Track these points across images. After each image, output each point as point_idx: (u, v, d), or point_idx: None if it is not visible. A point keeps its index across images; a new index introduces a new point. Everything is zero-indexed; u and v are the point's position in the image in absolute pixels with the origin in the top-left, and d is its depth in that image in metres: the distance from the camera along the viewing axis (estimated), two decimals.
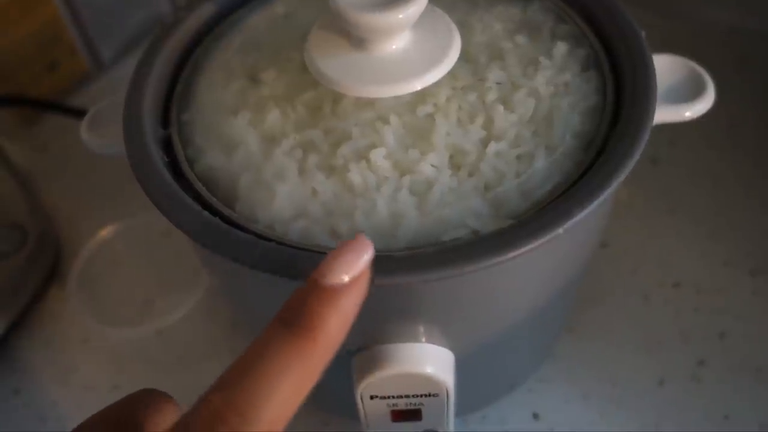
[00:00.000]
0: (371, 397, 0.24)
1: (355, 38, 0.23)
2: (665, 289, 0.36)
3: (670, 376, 0.33)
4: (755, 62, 0.45)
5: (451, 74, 0.23)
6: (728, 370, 0.33)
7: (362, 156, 0.23)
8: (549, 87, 0.24)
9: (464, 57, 0.25)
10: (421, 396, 0.24)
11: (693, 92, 0.26)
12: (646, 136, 0.22)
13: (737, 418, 0.32)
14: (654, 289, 0.36)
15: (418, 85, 0.22)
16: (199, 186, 0.23)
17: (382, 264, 0.20)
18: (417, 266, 0.20)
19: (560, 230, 0.20)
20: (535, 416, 0.33)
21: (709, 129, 0.41)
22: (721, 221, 0.38)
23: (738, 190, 0.39)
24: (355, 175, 0.22)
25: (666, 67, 0.26)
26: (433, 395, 0.24)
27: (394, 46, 0.23)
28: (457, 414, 0.29)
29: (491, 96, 0.24)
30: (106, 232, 0.37)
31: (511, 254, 0.20)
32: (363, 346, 0.24)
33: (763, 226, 0.38)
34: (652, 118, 0.22)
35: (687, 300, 0.36)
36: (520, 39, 0.26)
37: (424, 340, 0.24)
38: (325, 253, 0.21)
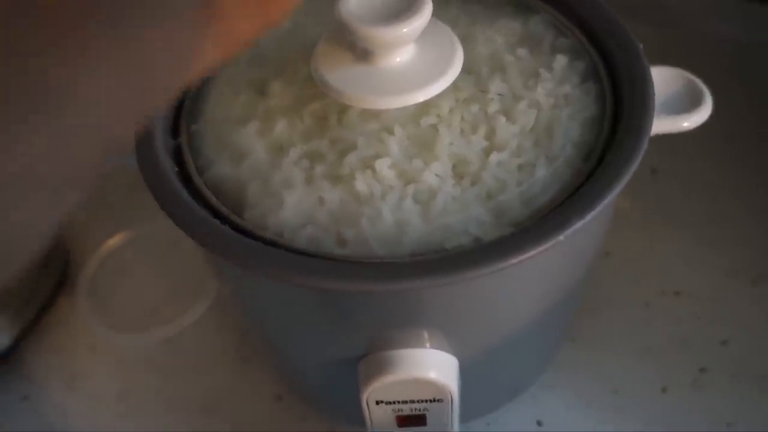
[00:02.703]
0: (377, 402, 0.25)
1: (361, 51, 0.24)
2: (666, 297, 0.37)
3: (672, 383, 0.34)
4: (754, 73, 0.45)
5: (454, 86, 0.24)
6: (730, 378, 0.34)
7: (368, 165, 0.23)
8: (549, 98, 0.25)
9: (467, 69, 0.25)
10: (426, 401, 0.25)
11: (691, 103, 0.26)
12: (644, 146, 0.22)
13: (739, 425, 0.32)
14: (655, 297, 0.37)
15: (421, 97, 0.23)
16: (208, 195, 0.24)
17: (387, 270, 0.21)
18: (421, 273, 0.20)
19: (560, 237, 0.20)
20: (539, 423, 0.33)
21: (709, 139, 0.42)
22: (721, 230, 0.39)
23: (738, 200, 0.40)
24: (361, 183, 0.23)
25: (664, 78, 0.27)
26: (438, 400, 0.24)
27: (398, 59, 0.23)
28: (462, 420, 0.29)
29: (493, 107, 0.24)
30: (115, 241, 0.38)
31: (513, 261, 0.20)
32: (368, 352, 0.24)
33: (764, 235, 0.38)
34: (650, 129, 0.23)
35: (688, 308, 0.36)
36: (521, 52, 0.26)
37: (428, 345, 0.24)
38: (332, 260, 0.21)
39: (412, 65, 0.23)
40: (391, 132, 0.24)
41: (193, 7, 0.14)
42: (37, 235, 0.12)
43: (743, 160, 0.42)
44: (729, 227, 0.39)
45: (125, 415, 0.35)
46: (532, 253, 0.20)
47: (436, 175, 0.23)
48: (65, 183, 0.13)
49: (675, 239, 0.39)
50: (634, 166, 0.22)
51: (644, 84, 0.24)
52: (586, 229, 0.21)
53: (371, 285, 0.21)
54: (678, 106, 0.26)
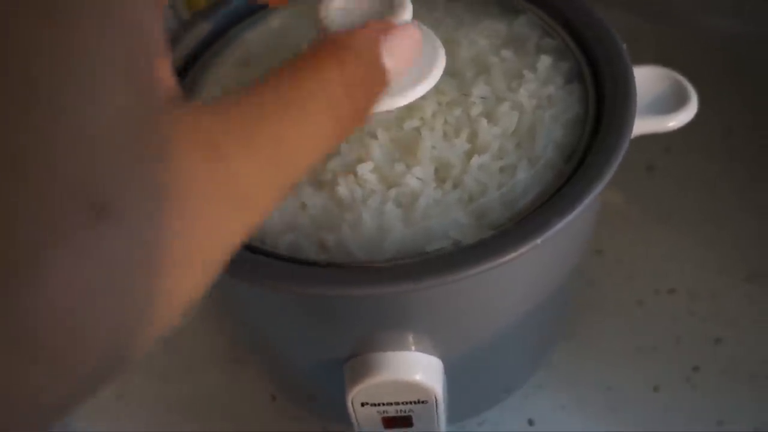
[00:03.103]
0: (362, 404, 0.25)
1: None
2: (660, 295, 0.37)
3: (665, 382, 0.34)
4: (750, 69, 0.45)
5: (437, 89, 0.24)
6: (723, 376, 0.33)
7: (350, 170, 0.23)
8: (532, 100, 0.25)
9: (450, 72, 0.25)
10: (411, 403, 0.25)
11: (677, 102, 0.26)
12: (624, 147, 0.22)
13: (731, 423, 0.32)
14: (649, 295, 0.37)
15: (404, 101, 0.23)
16: None
17: (366, 275, 0.21)
18: (400, 277, 0.20)
19: (538, 240, 0.20)
20: (531, 422, 0.33)
21: (704, 136, 0.42)
22: (716, 228, 0.39)
23: (733, 197, 0.40)
24: (343, 188, 0.23)
25: (650, 78, 0.27)
26: (422, 402, 0.25)
27: None
28: (453, 420, 0.29)
29: (476, 110, 0.24)
30: None
31: (492, 264, 0.20)
32: (353, 354, 0.24)
33: (758, 233, 0.38)
34: (632, 130, 0.23)
35: (682, 306, 0.36)
36: (506, 53, 0.26)
37: (413, 348, 0.24)
38: (314, 266, 0.22)
39: None
40: (373, 136, 0.24)
41: None
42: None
43: (739, 156, 0.41)
44: (724, 225, 0.39)
45: (123, 415, 0.35)
46: (511, 256, 0.20)
47: (418, 178, 0.23)
48: None
49: (669, 237, 0.39)
50: (614, 167, 0.22)
51: (626, 84, 0.24)
52: (567, 230, 0.21)
53: (351, 290, 0.21)
54: (664, 106, 0.26)
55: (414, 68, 0.23)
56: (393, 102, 0.23)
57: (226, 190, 0.12)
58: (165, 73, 0.13)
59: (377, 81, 0.17)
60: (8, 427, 0.11)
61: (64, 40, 0.11)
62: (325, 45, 0.16)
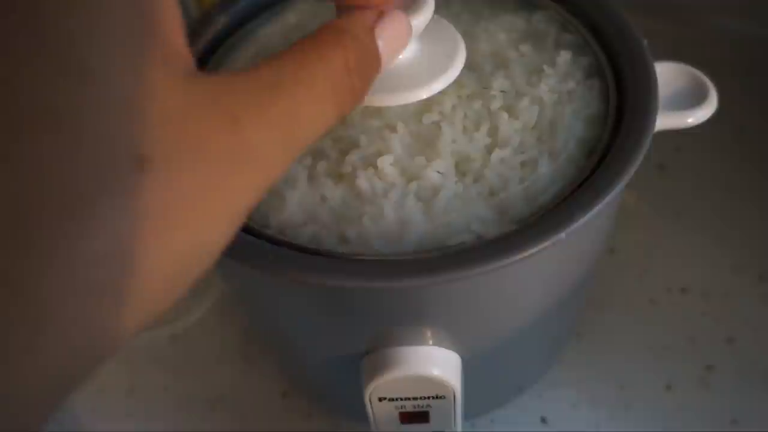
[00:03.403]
0: (380, 399, 0.25)
1: None
2: (673, 294, 0.37)
3: (678, 381, 0.33)
4: (763, 69, 0.45)
5: (457, 83, 0.24)
6: (736, 375, 0.33)
7: (370, 163, 0.23)
8: (552, 95, 0.25)
9: (470, 66, 0.25)
10: (429, 398, 0.25)
11: (696, 99, 0.26)
12: (647, 143, 0.22)
13: (745, 422, 0.32)
14: (662, 294, 0.37)
15: (424, 94, 0.23)
16: None
17: (388, 268, 0.21)
18: (422, 270, 0.20)
19: (562, 234, 0.20)
20: (543, 420, 0.33)
21: (717, 135, 0.42)
22: (728, 226, 0.39)
23: (745, 196, 0.40)
24: (363, 181, 0.23)
25: (669, 74, 0.27)
26: (440, 397, 0.24)
27: (400, 56, 0.23)
28: (466, 417, 0.29)
29: (496, 104, 0.24)
30: None
31: (514, 258, 0.20)
32: (371, 349, 0.24)
33: None
34: (654, 126, 0.23)
35: (695, 305, 0.36)
36: (524, 48, 0.26)
37: (431, 343, 0.24)
38: (334, 258, 0.21)
39: (414, 62, 0.23)
40: (393, 129, 0.24)
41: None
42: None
43: (752, 155, 0.41)
44: (736, 224, 0.39)
45: (133, 412, 0.35)
46: (534, 250, 0.20)
47: (439, 172, 0.23)
48: None
49: (682, 236, 0.39)
50: (637, 164, 0.22)
51: (647, 80, 0.24)
52: (588, 226, 0.21)
53: (372, 282, 0.21)
54: (683, 102, 0.26)
55: (433, 62, 0.23)
56: (413, 95, 0.23)
57: (241, 153, 0.14)
58: (182, 43, 0.14)
59: (372, 64, 0.18)
60: (101, 350, 0.12)
61: (94, 17, 0.12)
62: (328, 29, 0.17)
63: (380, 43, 0.18)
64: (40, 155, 0.11)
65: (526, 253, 0.20)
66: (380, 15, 0.18)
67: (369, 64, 0.18)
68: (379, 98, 0.23)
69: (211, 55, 0.30)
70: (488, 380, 0.28)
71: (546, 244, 0.20)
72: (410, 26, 0.20)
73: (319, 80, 0.16)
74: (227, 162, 0.13)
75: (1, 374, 0.11)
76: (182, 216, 0.13)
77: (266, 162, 0.15)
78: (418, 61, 0.23)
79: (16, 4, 0.11)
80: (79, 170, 0.11)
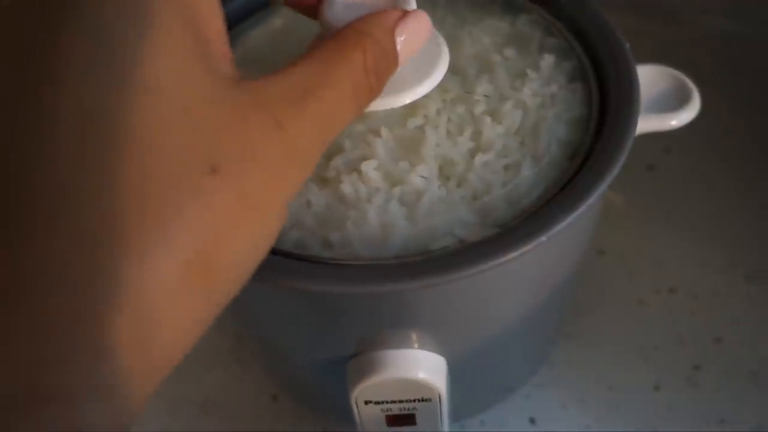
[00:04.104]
0: (366, 402, 0.25)
1: None
2: (661, 294, 0.37)
3: (666, 380, 0.34)
4: (750, 69, 0.45)
5: (441, 87, 0.24)
6: (724, 375, 0.34)
7: (354, 168, 0.23)
8: (536, 98, 0.25)
9: (454, 70, 0.25)
10: (414, 401, 0.25)
11: (679, 101, 0.26)
12: (628, 146, 0.22)
13: (733, 422, 0.32)
14: (650, 294, 0.37)
15: (408, 99, 0.23)
16: None
17: (370, 273, 0.21)
18: (404, 275, 0.20)
19: (543, 238, 0.20)
20: (532, 421, 0.33)
21: (705, 135, 0.42)
22: (716, 227, 0.39)
23: (733, 196, 0.40)
24: (347, 186, 0.23)
25: (653, 76, 0.27)
26: (426, 400, 0.25)
27: None
28: (455, 419, 0.29)
29: (479, 108, 0.24)
30: None
31: (496, 262, 0.20)
32: (357, 352, 0.24)
33: (758, 231, 0.38)
34: (635, 129, 0.23)
35: (682, 305, 0.36)
36: (509, 52, 0.26)
37: (416, 346, 0.24)
38: (319, 263, 0.22)
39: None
40: (377, 134, 0.24)
41: None
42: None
43: (739, 156, 0.41)
44: (724, 224, 0.39)
45: None
46: (516, 254, 0.20)
47: (422, 176, 0.23)
48: None
49: (670, 236, 0.39)
50: (619, 166, 0.22)
51: (630, 84, 0.24)
52: (570, 228, 0.21)
53: (356, 287, 0.21)
54: (666, 105, 0.26)
55: (418, 66, 0.23)
56: (398, 100, 0.23)
57: (287, 153, 0.15)
58: (226, 48, 0.15)
59: (391, 64, 0.19)
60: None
61: (146, 29, 0.13)
62: (350, 30, 0.18)
63: (399, 41, 0.19)
64: (127, 170, 0.13)
65: (508, 257, 0.20)
66: (402, 15, 0.19)
67: (386, 65, 0.19)
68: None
69: None
70: (475, 382, 0.28)
71: (528, 247, 0.20)
72: (430, 25, 0.20)
73: (342, 81, 0.17)
74: (276, 162, 0.15)
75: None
76: (248, 214, 0.14)
77: (306, 159, 0.16)
78: (403, 65, 0.23)
79: (83, 18, 0.13)
80: (163, 179, 0.13)
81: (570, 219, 0.21)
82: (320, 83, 0.16)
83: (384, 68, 0.18)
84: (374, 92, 0.18)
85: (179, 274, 0.13)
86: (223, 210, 0.14)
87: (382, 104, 0.23)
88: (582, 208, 0.21)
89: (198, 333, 0.15)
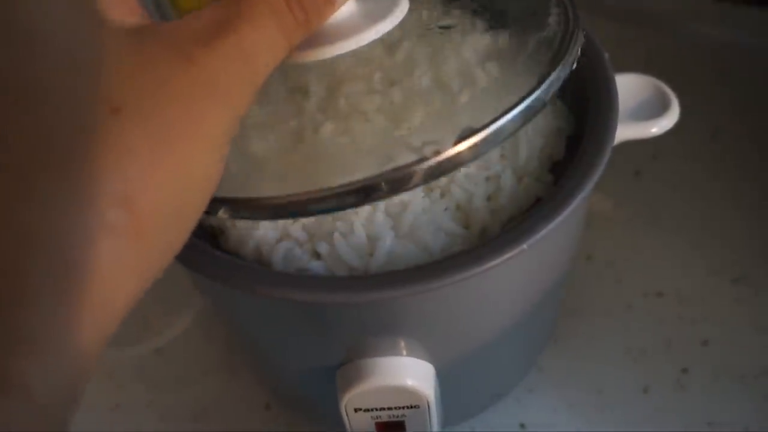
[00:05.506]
0: (355, 410, 0.25)
1: None
2: (649, 298, 0.37)
3: (654, 384, 0.34)
4: (737, 75, 0.46)
5: (425, 100, 0.25)
6: (711, 378, 0.34)
7: None
8: None
9: (437, 84, 0.26)
10: (404, 408, 0.25)
11: (659, 109, 0.27)
12: (606, 156, 0.23)
13: (721, 424, 0.32)
14: (638, 298, 0.37)
15: (367, 39, 0.21)
16: None
17: (359, 283, 0.21)
18: (391, 284, 0.21)
19: (524, 246, 0.21)
20: (522, 426, 0.33)
21: (691, 141, 0.42)
22: (703, 231, 0.39)
23: (720, 201, 0.40)
24: None
25: (633, 85, 0.27)
26: (415, 407, 0.25)
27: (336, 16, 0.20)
28: (444, 425, 0.30)
29: None
30: None
31: (479, 270, 0.21)
32: (346, 361, 0.25)
33: (744, 236, 0.39)
34: (613, 138, 0.23)
35: (670, 309, 0.37)
36: (490, 66, 0.27)
37: (404, 353, 0.25)
38: (306, 274, 0.22)
39: (353, 17, 0.21)
40: None
41: None
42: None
43: (726, 161, 0.42)
44: (711, 228, 0.39)
45: (117, 426, 0.36)
46: (497, 261, 0.21)
47: None
48: None
49: (658, 241, 0.39)
50: (597, 176, 0.22)
51: (608, 95, 0.25)
52: (552, 236, 0.22)
53: (343, 297, 0.21)
54: (647, 112, 0.27)
55: (374, 11, 0.22)
56: (357, 40, 0.21)
57: (201, 87, 0.15)
58: (133, 2, 0.16)
59: None
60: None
61: None
62: None
63: None
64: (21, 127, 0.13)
65: (490, 265, 0.21)
66: None
67: None
68: (323, 51, 0.21)
69: None
70: (464, 388, 0.29)
71: (509, 255, 0.21)
72: None
73: (262, 14, 0.16)
74: (189, 96, 0.15)
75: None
76: (164, 149, 0.14)
77: (227, 92, 0.16)
78: (357, 15, 0.22)
79: None
80: (59, 128, 0.13)
81: (550, 227, 0.21)
82: (236, 16, 0.16)
83: (309, 1, 0.18)
84: (303, 25, 0.18)
85: (97, 218, 0.13)
86: (134, 147, 0.14)
87: (340, 49, 0.21)
88: (562, 217, 0.22)
89: (138, 283, 0.15)
